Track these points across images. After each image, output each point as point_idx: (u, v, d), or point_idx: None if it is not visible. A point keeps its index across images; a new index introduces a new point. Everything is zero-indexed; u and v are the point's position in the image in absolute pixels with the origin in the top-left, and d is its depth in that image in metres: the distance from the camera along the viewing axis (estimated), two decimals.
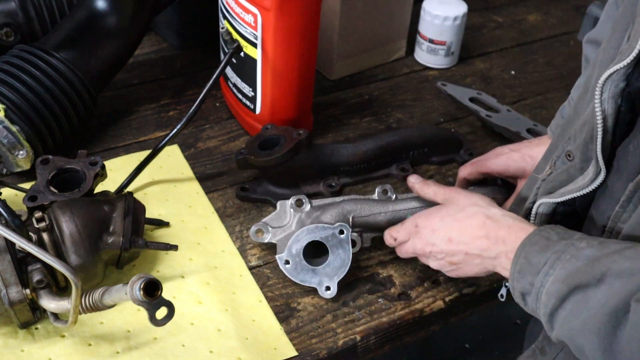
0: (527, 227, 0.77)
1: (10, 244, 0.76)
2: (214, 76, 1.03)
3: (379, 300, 0.93)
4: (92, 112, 1.10)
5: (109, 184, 0.97)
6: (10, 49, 1.06)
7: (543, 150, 0.89)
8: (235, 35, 1.04)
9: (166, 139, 1.02)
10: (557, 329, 0.68)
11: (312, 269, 0.90)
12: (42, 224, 0.80)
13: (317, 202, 0.95)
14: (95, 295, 0.76)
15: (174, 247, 0.90)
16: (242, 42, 1.04)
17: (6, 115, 0.97)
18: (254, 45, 1.02)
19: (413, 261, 0.98)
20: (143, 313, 0.72)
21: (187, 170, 1.08)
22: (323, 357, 0.86)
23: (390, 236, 0.91)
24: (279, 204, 0.96)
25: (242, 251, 0.97)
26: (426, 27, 1.33)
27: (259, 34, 1.00)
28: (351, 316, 0.90)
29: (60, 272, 0.78)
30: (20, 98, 0.99)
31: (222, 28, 1.07)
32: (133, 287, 0.70)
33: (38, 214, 0.81)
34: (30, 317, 0.81)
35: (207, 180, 1.08)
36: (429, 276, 0.96)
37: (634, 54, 0.67)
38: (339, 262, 0.90)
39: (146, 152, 1.03)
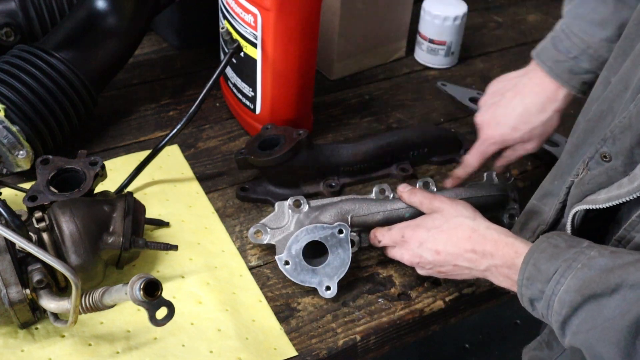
0: (513, 242, 0.77)
1: (10, 244, 0.76)
2: (214, 76, 1.03)
3: (379, 300, 0.93)
4: (92, 112, 1.10)
5: (109, 184, 0.97)
6: (10, 49, 1.06)
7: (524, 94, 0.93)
8: (235, 35, 1.04)
9: (166, 139, 1.02)
10: (570, 337, 0.68)
11: (312, 269, 0.90)
12: (42, 224, 0.80)
13: (315, 202, 0.95)
14: (95, 295, 0.76)
15: (174, 247, 0.90)
16: (242, 42, 1.04)
17: (6, 115, 0.97)
18: (254, 45, 1.02)
19: None
20: (143, 313, 0.72)
21: (187, 170, 1.08)
22: (323, 357, 0.86)
23: (375, 236, 0.91)
24: (277, 205, 0.95)
25: (242, 251, 0.97)
26: (426, 27, 1.33)
27: (259, 34, 1.00)
28: (351, 316, 0.90)
29: (60, 272, 0.78)
30: (20, 98, 0.99)
31: (222, 28, 1.07)
32: (133, 287, 0.70)
33: (38, 214, 0.81)
34: (30, 317, 0.81)
35: (207, 180, 1.08)
36: (429, 276, 0.96)
37: None
38: (338, 262, 0.90)
39: (146, 152, 1.03)
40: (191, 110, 1.02)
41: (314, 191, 1.05)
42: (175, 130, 1.02)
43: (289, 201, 0.94)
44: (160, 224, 0.98)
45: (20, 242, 0.73)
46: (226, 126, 1.18)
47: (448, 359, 1.89)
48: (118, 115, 1.18)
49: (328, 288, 0.90)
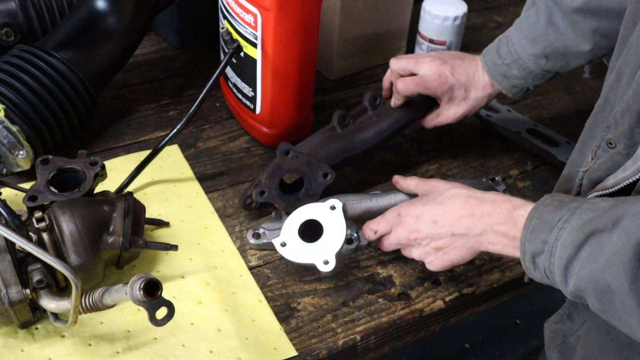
0: (512, 199, 0.79)
1: (10, 244, 0.76)
2: (214, 76, 1.03)
3: (379, 300, 0.93)
4: (92, 112, 1.10)
5: (109, 184, 0.97)
6: (10, 49, 1.06)
7: (469, 67, 1.02)
8: (235, 35, 1.04)
9: (166, 139, 1.02)
10: (573, 280, 0.68)
11: (309, 246, 0.90)
12: (42, 224, 0.80)
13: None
14: (95, 295, 0.76)
15: (174, 247, 0.90)
16: (242, 42, 1.04)
17: (6, 115, 0.97)
18: (254, 45, 1.02)
19: (413, 261, 0.98)
20: (143, 313, 0.72)
21: (187, 170, 1.08)
22: (323, 357, 0.86)
23: (370, 229, 0.90)
24: (274, 213, 0.98)
25: (242, 251, 0.97)
26: (426, 27, 1.33)
27: (259, 34, 1.00)
28: (351, 316, 0.90)
29: (60, 272, 0.78)
30: (20, 98, 0.99)
31: (222, 28, 1.07)
32: (133, 287, 0.70)
33: (38, 214, 0.81)
34: (30, 317, 0.81)
35: (207, 180, 1.08)
36: (429, 276, 0.96)
37: None
38: (334, 236, 0.90)
39: (146, 152, 1.03)
40: (191, 110, 1.02)
41: None
42: (175, 130, 1.02)
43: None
44: (160, 224, 0.98)
45: (20, 242, 0.73)
46: (226, 126, 1.18)
47: (448, 359, 1.89)
48: (118, 115, 1.18)
49: (326, 262, 0.89)
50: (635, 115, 0.71)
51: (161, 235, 0.97)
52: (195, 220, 1.00)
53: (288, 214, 0.93)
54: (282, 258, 0.96)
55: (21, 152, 0.99)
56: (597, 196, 0.76)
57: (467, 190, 0.84)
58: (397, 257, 0.99)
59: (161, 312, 0.72)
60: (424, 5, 1.32)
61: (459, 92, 1.04)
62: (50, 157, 0.92)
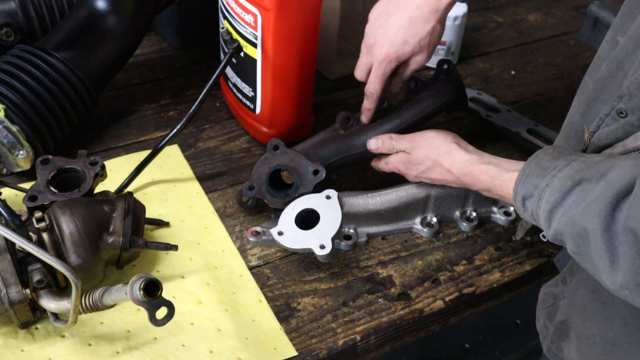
0: (487, 167, 0.87)
1: (10, 244, 0.76)
2: (214, 76, 1.03)
3: (379, 300, 0.93)
4: (92, 112, 1.10)
5: (109, 184, 0.97)
6: (10, 49, 1.06)
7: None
8: (235, 35, 1.04)
9: (166, 139, 1.02)
10: (555, 223, 0.72)
11: (306, 233, 0.91)
12: (42, 224, 0.80)
13: None
14: (95, 295, 0.76)
15: (174, 247, 0.90)
16: (242, 42, 1.04)
17: (6, 115, 0.97)
18: (254, 45, 1.02)
19: (413, 261, 0.98)
20: (143, 313, 0.72)
21: (187, 170, 1.08)
22: (323, 357, 0.86)
23: (376, 140, 0.99)
24: (273, 214, 0.99)
25: (242, 251, 0.97)
26: None
27: (259, 34, 1.00)
28: (351, 316, 0.90)
29: (60, 272, 0.78)
30: (20, 98, 0.99)
31: (222, 28, 1.07)
32: (133, 287, 0.70)
33: (38, 214, 0.81)
34: (30, 317, 0.81)
35: (207, 180, 1.08)
36: (429, 276, 0.96)
37: None
38: (330, 222, 0.92)
39: (146, 152, 1.03)
40: (191, 110, 1.02)
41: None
42: (175, 130, 1.02)
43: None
44: (160, 224, 0.98)
45: (20, 242, 0.73)
46: (226, 126, 1.18)
47: (448, 359, 1.89)
48: (118, 115, 1.18)
49: (322, 247, 0.90)
50: None
51: (161, 235, 0.97)
52: (195, 220, 1.00)
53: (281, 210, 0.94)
54: (282, 258, 0.96)
55: (21, 152, 0.99)
56: None
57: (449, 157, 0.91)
58: (397, 257, 0.99)
59: (161, 312, 0.72)
60: None
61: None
62: (50, 157, 0.92)
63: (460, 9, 1.30)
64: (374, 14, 1.02)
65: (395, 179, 1.08)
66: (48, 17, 1.14)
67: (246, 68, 1.07)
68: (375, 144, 1.00)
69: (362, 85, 1.31)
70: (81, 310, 0.76)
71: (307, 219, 0.92)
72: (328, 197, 0.94)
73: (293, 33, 1.00)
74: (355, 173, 1.10)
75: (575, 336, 0.84)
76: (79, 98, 1.05)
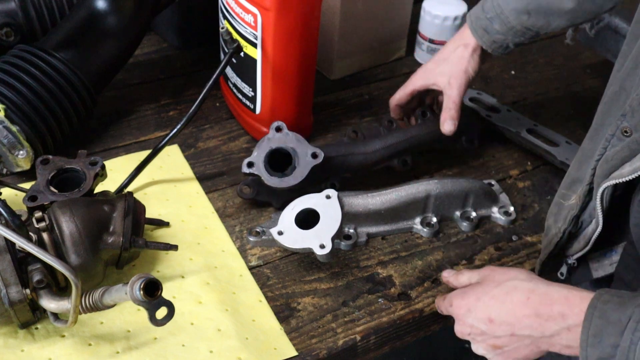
0: (586, 294, 0.71)
1: (10, 244, 0.76)
2: (214, 76, 1.03)
3: (379, 300, 0.93)
4: (92, 112, 1.10)
5: (109, 184, 0.97)
6: (10, 49, 1.06)
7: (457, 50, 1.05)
8: (235, 35, 1.04)
9: (166, 139, 1.02)
10: None
11: (306, 232, 0.91)
12: (42, 224, 0.80)
13: None
14: (95, 295, 0.76)
15: (174, 247, 0.90)
16: (242, 42, 1.04)
17: (6, 115, 0.97)
18: (254, 45, 1.02)
19: (413, 261, 0.98)
20: (143, 313, 0.72)
21: (187, 170, 1.08)
22: (323, 357, 0.86)
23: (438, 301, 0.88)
24: (273, 214, 0.99)
25: (242, 251, 0.97)
26: (426, 27, 1.33)
27: (259, 34, 1.00)
28: (351, 316, 0.90)
29: (60, 272, 0.78)
30: (20, 98, 0.99)
31: (222, 28, 1.07)
32: (133, 287, 0.70)
33: (38, 214, 0.81)
34: (30, 317, 0.81)
35: (207, 180, 1.08)
36: (429, 276, 0.96)
37: None
38: (330, 222, 0.92)
39: (146, 152, 1.03)
40: (191, 110, 1.02)
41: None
42: (175, 130, 1.02)
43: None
44: (160, 224, 0.98)
45: (20, 242, 0.73)
46: (226, 126, 1.18)
47: (448, 359, 1.89)
48: (118, 115, 1.18)
49: (322, 246, 0.90)
50: None
51: (161, 235, 0.97)
52: (195, 220, 1.00)
53: (282, 209, 0.95)
54: (282, 258, 0.96)
55: (21, 152, 0.99)
56: (612, 185, 0.75)
57: (528, 281, 0.76)
58: (397, 257, 0.99)
59: (161, 312, 0.72)
60: (424, 5, 1.32)
61: (444, 79, 1.07)
62: (50, 157, 0.92)
63: (460, 9, 1.30)
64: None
65: (395, 179, 1.08)
66: (48, 17, 1.14)
67: (246, 68, 1.07)
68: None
69: (362, 85, 1.32)
70: (81, 310, 0.76)
71: (307, 219, 0.92)
72: (328, 197, 0.94)
73: (293, 33, 1.00)
74: (355, 175, 1.10)
75: None
76: (79, 98, 1.05)
